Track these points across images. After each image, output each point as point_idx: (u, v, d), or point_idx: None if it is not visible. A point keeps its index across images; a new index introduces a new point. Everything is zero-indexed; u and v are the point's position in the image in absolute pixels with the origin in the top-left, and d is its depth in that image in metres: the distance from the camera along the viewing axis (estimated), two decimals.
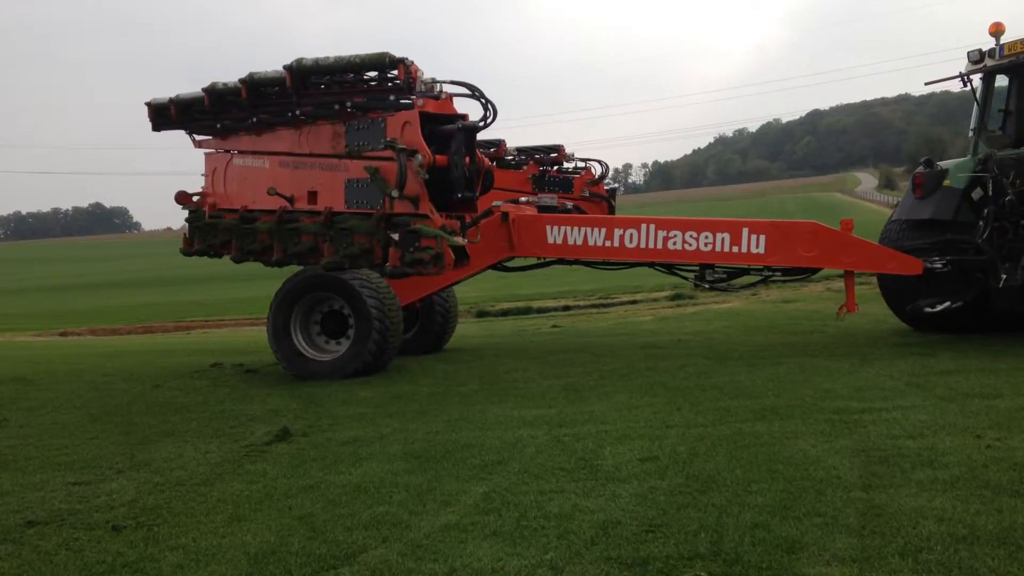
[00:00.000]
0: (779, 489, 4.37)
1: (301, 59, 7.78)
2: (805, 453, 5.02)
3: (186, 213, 9.47)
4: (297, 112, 8.09)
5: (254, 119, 8.51)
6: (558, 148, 11.90)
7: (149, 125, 9.45)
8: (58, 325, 23.95)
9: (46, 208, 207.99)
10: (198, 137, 9.42)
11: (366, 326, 8.65)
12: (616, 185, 13.53)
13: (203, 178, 9.47)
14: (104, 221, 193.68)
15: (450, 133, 7.69)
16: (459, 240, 7.58)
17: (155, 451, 5.95)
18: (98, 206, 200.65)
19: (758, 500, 4.21)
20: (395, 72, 7.55)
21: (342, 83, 7.90)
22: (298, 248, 8.29)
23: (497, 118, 7.83)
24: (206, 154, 9.40)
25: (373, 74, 7.77)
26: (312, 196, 8.37)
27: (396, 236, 7.62)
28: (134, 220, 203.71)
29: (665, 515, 4.08)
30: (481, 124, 7.84)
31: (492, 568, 3.58)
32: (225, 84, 8.49)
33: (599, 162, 12.12)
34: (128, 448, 6.07)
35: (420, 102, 7.57)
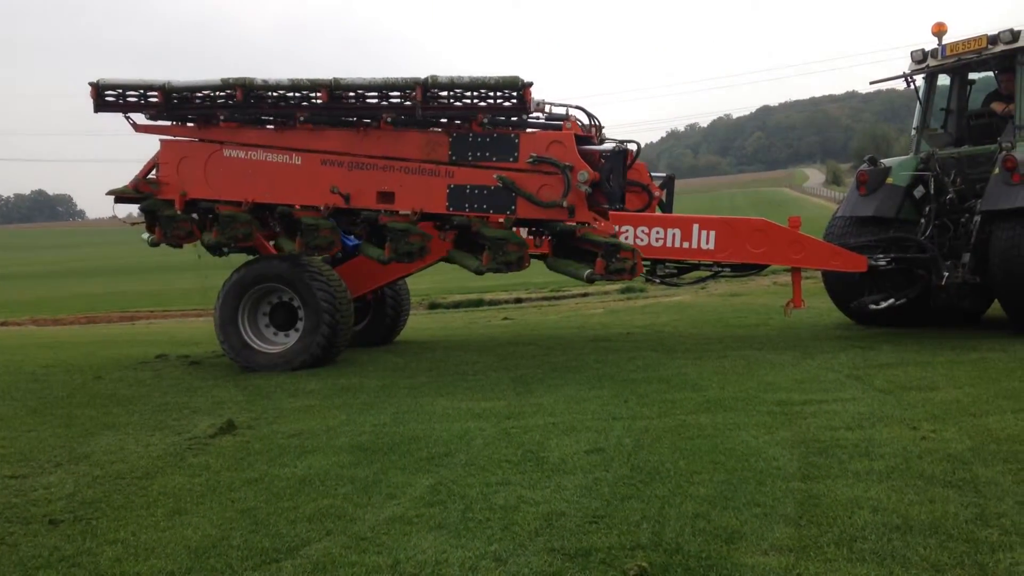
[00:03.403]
0: (720, 480, 4.45)
1: (436, 76, 8.05)
2: (747, 444, 5.11)
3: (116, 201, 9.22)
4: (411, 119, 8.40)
5: (301, 118, 8.61)
6: None
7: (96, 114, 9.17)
8: None
9: None
10: (141, 122, 9.16)
11: (316, 318, 8.59)
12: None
13: (159, 166, 9.17)
14: (47, 208, 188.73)
15: (597, 153, 8.25)
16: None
17: (95, 444, 5.83)
18: (41, 193, 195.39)
19: (700, 491, 4.28)
20: (521, 94, 7.94)
21: (461, 99, 8.21)
22: (409, 248, 8.37)
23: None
24: (165, 142, 9.16)
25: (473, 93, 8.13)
26: (384, 196, 8.53)
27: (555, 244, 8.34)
28: (78, 208, 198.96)
29: (609, 506, 4.12)
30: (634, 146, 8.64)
31: (436, 560, 3.58)
32: (265, 81, 8.53)
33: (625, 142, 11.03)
34: (67, 441, 5.95)
35: (568, 124, 8.23)
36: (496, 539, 3.77)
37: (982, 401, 6.01)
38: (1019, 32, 9.22)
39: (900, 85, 10.48)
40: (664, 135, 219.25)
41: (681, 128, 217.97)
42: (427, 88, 8.08)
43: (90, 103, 8.98)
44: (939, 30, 10.03)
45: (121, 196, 9.20)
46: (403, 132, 8.49)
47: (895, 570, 3.29)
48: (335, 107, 8.48)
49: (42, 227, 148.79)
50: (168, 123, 9.13)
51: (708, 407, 6.18)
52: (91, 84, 8.96)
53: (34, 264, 61.47)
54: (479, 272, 8.22)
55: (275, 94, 8.57)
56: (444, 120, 8.42)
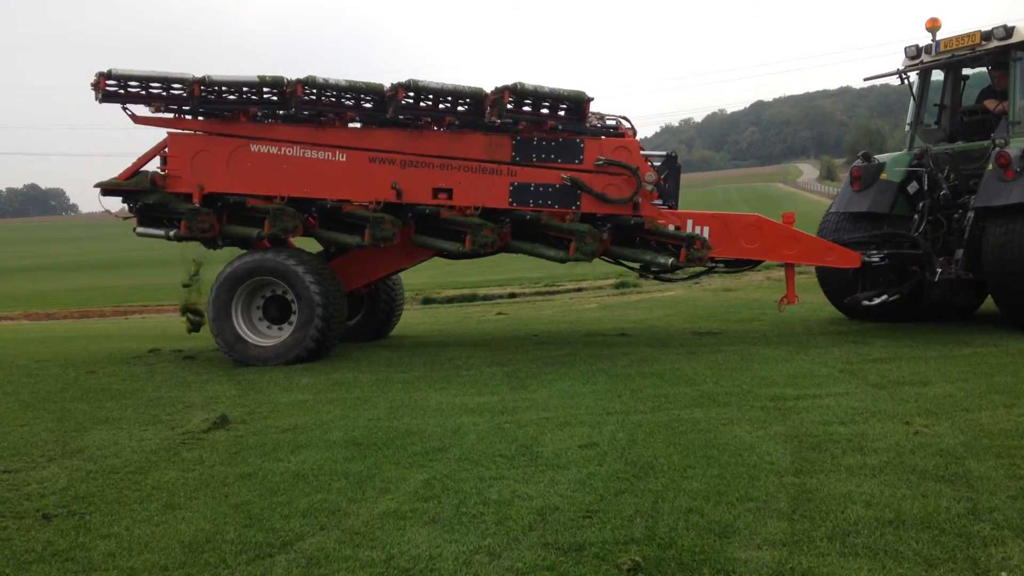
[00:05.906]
0: (714, 475, 4.45)
1: (524, 84, 8.65)
2: (740, 439, 5.12)
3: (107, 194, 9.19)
4: (499, 121, 8.91)
5: (359, 119, 9.03)
6: None
7: (95, 107, 9.08)
8: None
9: None
10: (139, 114, 9.09)
11: (309, 312, 8.58)
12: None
13: (168, 159, 9.08)
14: (40, 202, 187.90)
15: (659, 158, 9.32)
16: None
17: (89, 438, 5.82)
18: (34, 187, 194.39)
19: (693, 485, 4.29)
20: (583, 104, 8.83)
21: (536, 107, 8.94)
22: (485, 240, 8.84)
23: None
24: (174, 135, 9.10)
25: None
26: (440, 193, 9.04)
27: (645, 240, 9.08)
28: (71, 202, 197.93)
29: (602, 501, 4.13)
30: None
31: (430, 555, 3.58)
32: (326, 79, 8.77)
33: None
34: (61, 435, 5.93)
35: (632, 134, 9.13)
36: (490, 533, 3.78)
37: (975, 396, 6.04)
38: (1013, 28, 9.24)
39: (894, 80, 10.48)
40: (659, 130, 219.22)
41: (675, 123, 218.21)
42: (512, 92, 8.59)
43: (80, 97, 8.96)
44: (933, 26, 10.04)
45: (108, 189, 9.15)
46: (462, 133, 8.99)
47: (888, 564, 3.30)
48: (416, 109, 8.87)
49: (35, 221, 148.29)
50: (171, 115, 9.07)
51: (702, 402, 6.19)
52: (102, 74, 8.74)
53: (27, 258, 61.29)
54: (563, 261, 8.86)
55: (331, 93, 8.85)
56: (518, 124, 8.96)
